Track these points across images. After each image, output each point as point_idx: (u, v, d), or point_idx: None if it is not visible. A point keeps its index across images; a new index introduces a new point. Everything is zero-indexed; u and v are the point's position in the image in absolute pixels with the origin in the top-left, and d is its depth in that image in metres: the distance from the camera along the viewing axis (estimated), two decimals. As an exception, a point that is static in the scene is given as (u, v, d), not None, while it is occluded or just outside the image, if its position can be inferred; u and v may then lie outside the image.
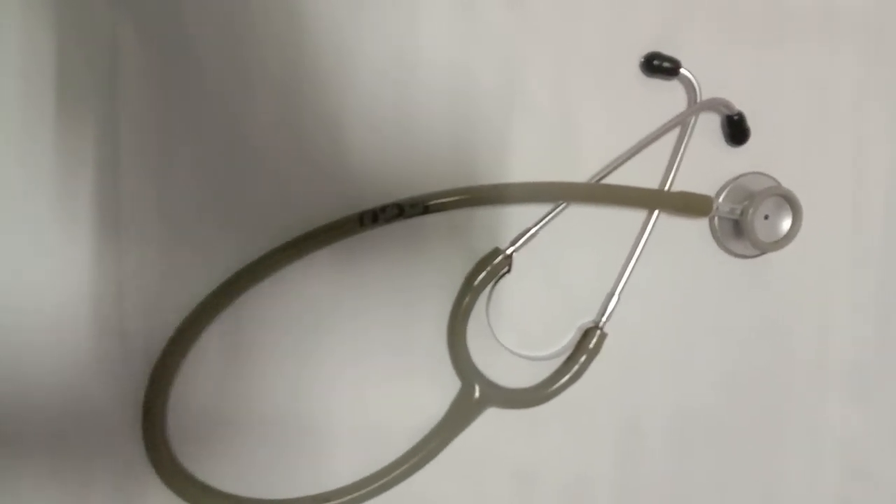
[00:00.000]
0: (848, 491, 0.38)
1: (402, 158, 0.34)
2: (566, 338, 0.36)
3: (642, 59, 0.35)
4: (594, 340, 0.34)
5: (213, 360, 0.33)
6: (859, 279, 0.37)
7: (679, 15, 0.35)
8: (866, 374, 0.37)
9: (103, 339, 0.32)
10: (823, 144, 0.37)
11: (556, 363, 0.35)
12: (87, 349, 0.32)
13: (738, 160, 0.36)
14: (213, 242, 0.33)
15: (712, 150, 0.36)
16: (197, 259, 0.32)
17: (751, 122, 0.35)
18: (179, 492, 0.32)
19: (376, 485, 0.33)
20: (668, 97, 0.35)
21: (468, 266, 0.34)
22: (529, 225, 0.34)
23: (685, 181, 0.35)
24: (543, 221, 0.34)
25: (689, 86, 0.35)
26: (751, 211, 0.34)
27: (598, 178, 0.35)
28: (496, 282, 0.34)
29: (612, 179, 0.35)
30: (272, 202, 0.33)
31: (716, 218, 0.36)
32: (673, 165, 0.35)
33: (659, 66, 0.34)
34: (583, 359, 0.34)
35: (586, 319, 0.35)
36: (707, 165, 0.36)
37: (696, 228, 0.36)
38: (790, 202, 0.35)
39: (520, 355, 0.35)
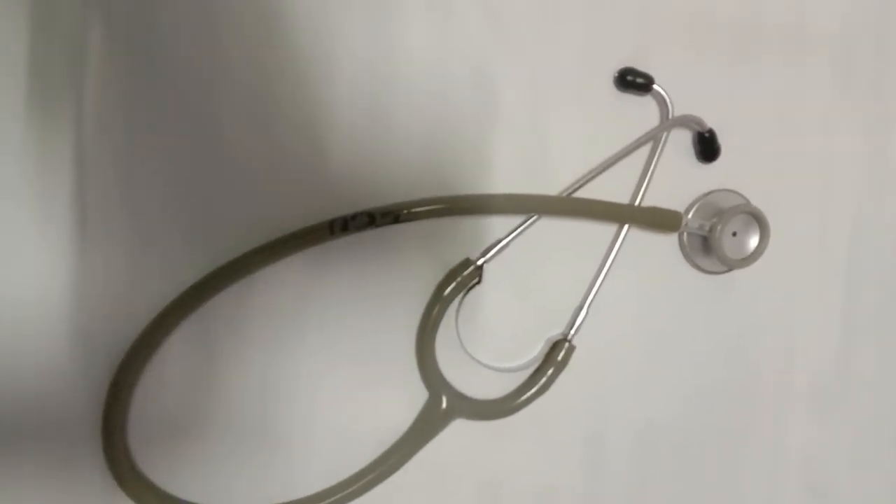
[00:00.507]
0: (807, 505, 0.38)
1: (375, 167, 0.33)
2: (535, 350, 0.36)
3: (616, 75, 0.35)
4: (562, 353, 0.34)
5: (178, 367, 0.32)
6: (825, 298, 0.38)
7: (652, 32, 0.35)
8: (829, 393, 0.38)
9: (64, 345, 0.31)
10: (793, 163, 0.37)
11: (524, 375, 0.35)
12: (47, 354, 0.31)
13: (709, 177, 0.37)
14: (179, 247, 0.32)
15: (683, 166, 0.36)
16: (163, 263, 0.32)
17: (721, 140, 0.36)
18: (140, 501, 0.31)
19: (341, 494, 0.33)
20: (640, 113, 0.36)
21: (439, 276, 0.34)
22: (501, 236, 0.34)
23: (656, 196, 0.35)
24: (515, 233, 0.34)
25: (661, 102, 0.35)
26: (719, 228, 0.35)
27: (569, 191, 0.35)
28: (466, 292, 0.34)
29: (583, 193, 0.35)
30: (242, 207, 0.33)
31: (685, 234, 0.36)
32: (644, 180, 0.35)
33: (632, 81, 0.35)
34: (550, 371, 0.34)
35: (555, 332, 0.35)
36: (677, 181, 0.36)
37: (666, 244, 0.37)
38: (758, 220, 0.35)
39: (488, 366, 0.35)
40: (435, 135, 0.34)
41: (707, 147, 0.36)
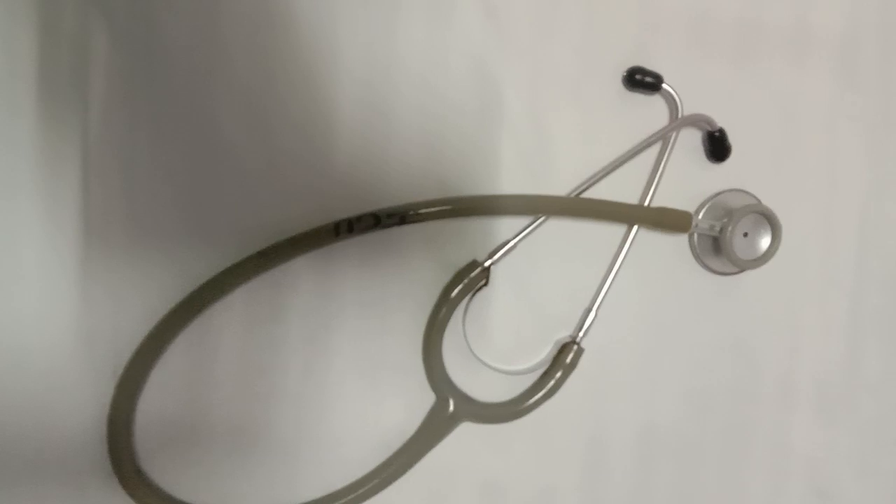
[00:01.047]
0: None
1: (379, 168, 0.33)
2: (542, 352, 0.35)
3: (625, 74, 0.35)
4: (571, 355, 0.34)
5: (182, 371, 0.32)
6: (832, 298, 0.37)
7: (656, 31, 0.35)
8: (834, 394, 0.38)
9: (70, 347, 0.31)
10: (803, 162, 0.37)
11: (532, 378, 0.34)
12: (52, 356, 0.31)
13: (719, 177, 0.36)
14: (185, 249, 0.32)
15: (692, 167, 0.36)
16: (168, 265, 0.32)
17: (731, 139, 0.35)
18: (144, 505, 0.31)
19: (347, 498, 0.32)
20: (647, 113, 0.35)
21: (445, 278, 0.34)
22: (508, 238, 0.34)
23: (665, 197, 0.35)
24: (522, 234, 0.34)
25: (670, 101, 0.35)
26: (730, 228, 0.34)
27: (577, 192, 0.34)
28: (473, 295, 0.34)
29: (591, 194, 0.34)
30: (246, 210, 0.32)
31: (695, 234, 0.36)
32: (653, 181, 0.35)
33: (641, 80, 0.34)
34: (559, 374, 0.34)
35: (563, 334, 0.35)
36: (687, 181, 0.36)
37: (676, 245, 0.36)
38: (769, 220, 0.35)
39: (495, 369, 0.34)
40: (439, 136, 0.34)
41: (717, 146, 0.35)
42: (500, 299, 0.34)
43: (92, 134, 0.31)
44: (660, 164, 0.35)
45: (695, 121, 0.35)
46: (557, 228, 0.35)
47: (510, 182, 0.34)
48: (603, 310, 0.34)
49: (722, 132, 0.35)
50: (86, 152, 0.31)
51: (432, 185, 0.33)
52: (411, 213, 0.32)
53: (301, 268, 0.33)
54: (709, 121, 0.35)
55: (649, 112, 0.35)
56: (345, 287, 0.33)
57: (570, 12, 0.34)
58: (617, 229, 0.35)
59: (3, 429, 0.31)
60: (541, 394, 0.34)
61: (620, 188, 0.35)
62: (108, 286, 0.31)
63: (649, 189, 0.35)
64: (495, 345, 0.35)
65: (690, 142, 0.36)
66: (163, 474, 0.32)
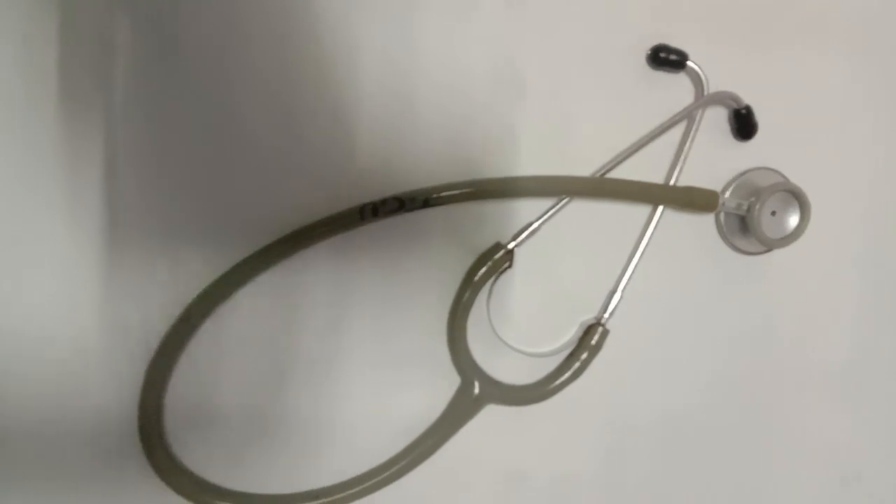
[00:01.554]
0: (837, 494, 0.37)
1: (403, 152, 0.33)
2: (567, 334, 0.35)
3: (649, 52, 0.34)
4: (596, 337, 0.34)
5: (211, 356, 0.32)
6: (861, 279, 0.37)
7: (681, 10, 0.34)
8: (860, 377, 0.37)
9: (100, 337, 0.31)
10: (831, 139, 0.36)
11: (557, 360, 0.34)
12: (84, 347, 0.31)
13: (745, 155, 0.36)
14: (211, 237, 0.32)
15: (719, 145, 0.35)
16: (195, 252, 0.32)
17: (757, 117, 0.35)
18: (175, 487, 0.31)
19: (375, 480, 0.33)
20: (671, 92, 0.35)
21: (469, 261, 0.33)
22: (531, 219, 0.34)
23: (691, 176, 0.34)
24: (546, 216, 0.34)
25: (695, 79, 0.34)
26: (757, 207, 0.34)
27: (601, 172, 0.34)
28: (497, 277, 0.34)
29: (616, 174, 0.34)
30: (272, 197, 0.32)
31: (722, 214, 0.36)
32: (679, 160, 0.34)
33: (665, 58, 0.34)
34: (584, 355, 0.34)
35: (588, 316, 0.35)
36: (713, 160, 0.35)
37: (702, 224, 0.36)
38: (798, 198, 0.34)
39: (520, 351, 0.34)
40: (463, 118, 0.33)
41: (744, 124, 0.35)
42: (524, 281, 0.34)
43: (115, 127, 0.31)
44: (685, 143, 0.34)
45: (721, 98, 0.34)
46: (581, 210, 0.34)
47: (533, 164, 0.34)
48: (628, 291, 0.34)
49: (749, 109, 0.34)
50: (110, 145, 0.31)
51: (456, 169, 0.33)
52: (434, 196, 0.32)
53: (325, 253, 0.33)
54: (735, 97, 0.34)
55: (673, 91, 0.35)
56: (370, 271, 0.33)
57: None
58: (641, 210, 0.35)
59: (38, 416, 0.31)
60: (566, 375, 0.34)
61: (645, 168, 0.34)
62: (136, 275, 0.31)
63: (675, 169, 0.34)
64: (519, 327, 0.35)
65: (717, 120, 0.35)
66: (194, 458, 0.32)
